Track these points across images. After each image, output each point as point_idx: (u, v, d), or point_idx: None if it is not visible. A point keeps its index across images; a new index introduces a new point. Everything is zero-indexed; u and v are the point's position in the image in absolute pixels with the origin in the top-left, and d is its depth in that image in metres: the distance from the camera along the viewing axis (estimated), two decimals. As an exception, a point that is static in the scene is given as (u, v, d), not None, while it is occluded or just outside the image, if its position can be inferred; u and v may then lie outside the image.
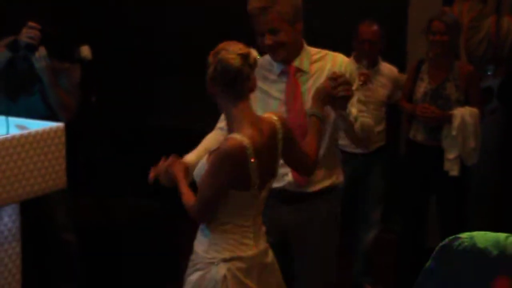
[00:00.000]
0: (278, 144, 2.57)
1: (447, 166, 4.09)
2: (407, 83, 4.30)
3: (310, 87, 2.87)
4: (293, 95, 2.88)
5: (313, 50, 2.96)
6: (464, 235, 1.47)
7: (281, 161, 2.70)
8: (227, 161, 2.43)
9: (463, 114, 4.05)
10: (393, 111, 4.58)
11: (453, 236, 1.49)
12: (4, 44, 3.62)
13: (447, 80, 4.13)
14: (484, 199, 4.81)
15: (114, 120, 5.60)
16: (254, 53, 2.51)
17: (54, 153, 3.18)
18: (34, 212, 3.52)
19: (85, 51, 3.71)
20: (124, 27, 5.72)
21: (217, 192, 2.48)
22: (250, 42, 3.47)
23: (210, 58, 2.50)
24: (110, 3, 5.76)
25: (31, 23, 3.56)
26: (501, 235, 1.44)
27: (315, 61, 2.92)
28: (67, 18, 5.01)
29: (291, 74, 2.90)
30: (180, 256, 4.61)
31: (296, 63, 2.90)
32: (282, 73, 2.92)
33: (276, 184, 2.80)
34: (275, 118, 2.57)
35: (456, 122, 4.03)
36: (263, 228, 2.67)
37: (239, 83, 2.46)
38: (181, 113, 5.71)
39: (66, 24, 4.52)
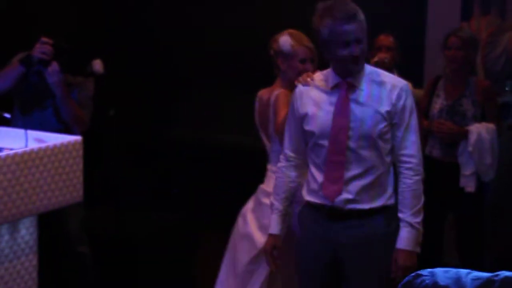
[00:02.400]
0: None
1: (463, 182, 4.08)
2: (424, 99, 4.30)
3: (360, 104, 2.86)
4: (341, 110, 2.86)
5: (374, 69, 2.97)
6: (426, 272, 1.45)
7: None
8: None
9: (480, 130, 4.04)
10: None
11: (415, 273, 1.46)
12: (18, 59, 3.69)
13: (463, 96, 4.12)
14: (501, 215, 4.78)
15: (133, 133, 5.64)
16: None
17: (72, 166, 3.22)
18: (48, 225, 3.56)
19: (97, 65, 3.76)
20: (144, 40, 5.77)
21: None
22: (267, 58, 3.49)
23: None
24: (129, 16, 5.82)
25: (44, 38, 3.63)
26: (463, 272, 1.41)
27: (371, 81, 2.90)
28: (83, 32, 5.07)
29: (343, 89, 2.88)
30: (196, 269, 4.64)
31: (354, 80, 2.88)
32: (336, 86, 2.90)
33: (317, 200, 2.89)
34: None
35: (472, 138, 4.02)
36: None
37: None
38: (201, 125, 5.74)
39: (80, 38, 4.57)
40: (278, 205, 3.06)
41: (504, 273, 1.39)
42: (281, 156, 3.09)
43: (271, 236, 3.06)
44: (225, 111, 5.59)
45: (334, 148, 2.85)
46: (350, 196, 2.86)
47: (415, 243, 2.93)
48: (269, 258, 3.07)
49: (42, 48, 3.62)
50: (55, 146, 3.16)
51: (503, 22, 4.80)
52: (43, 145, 3.12)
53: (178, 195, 5.36)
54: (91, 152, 3.49)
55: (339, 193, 2.86)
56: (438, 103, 4.17)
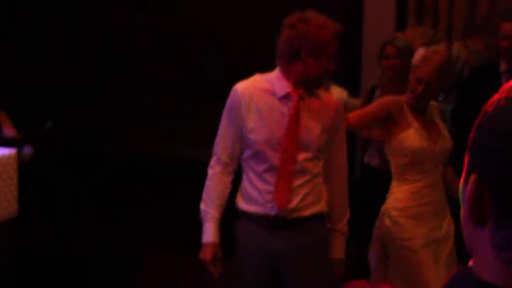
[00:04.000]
0: None
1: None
2: (361, 108, 4.35)
3: (311, 115, 2.92)
4: (293, 121, 2.88)
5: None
6: None
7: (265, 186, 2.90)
8: None
9: (417, 138, 4.10)
10: (347, 136, 4.62)
11: None
12: None
13: (400, 104, 4.18)
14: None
15: (72, 144, 5.54)
16: None
17: (6, 181, 3.14)
18: None
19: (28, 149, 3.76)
20: (85, 48, 5.69)
21: None
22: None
23: None
24: (72, 20, 5.72)
25: None
26: None
27: (315, 94, 2.95)
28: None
29: (295, 99, 2.89)
30: (137, 282, 4.58)
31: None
32: (286, 96, 2.90)
33: (259, 210, 2.89)
34: None
35: (409, 145, 4.08)
36: None
37: None
38: (142, 137, 5.68)
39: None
40: (214, 212, 2.99)
41: None
42: (214, 162, 3.03)
43: (209, 245, 2.99)
44: (164, 122, 5.55)
45: (285, 158, 2.86)
46: (295, 205, 2.90)
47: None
48: (211, 268, 3.03)
49: None
50: (-12, 161, 3.07)
51: (436, 33, 4.90)
52: (-25, 159, 3.04)
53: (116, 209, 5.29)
54: (28, 165, 3.41)
55: (289, 201, 2.88)
56: (375, 112, 4.22)
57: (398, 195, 3.28)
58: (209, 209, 3.00)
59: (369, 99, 4.30)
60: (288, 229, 2.92)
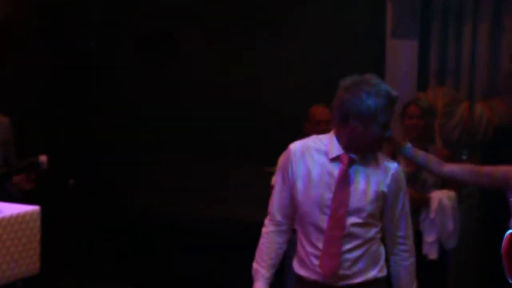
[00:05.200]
0: None
1: (425, 249, 4.07)
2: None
3: (361, 179, 2.81)
4: (342, 185, 2.79)
5: None
6: None
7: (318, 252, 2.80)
8: None
9: (441, 197, 4.06)
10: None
11: None
12: None
13: (423, 164, 4.16)
14: (464, 284, 4.78)
15: (93, 203, 5.55)
16: None
17: (29, 237, 3.13)
18: None
19: (43, 158, 3.79)
20: (106, 111, 5.75)
21: None
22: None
23: None
24: (91, 86, 5.80)
25: None
26: None
27: (368, 158, 2.85)
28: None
29: (345, 163, 2.80)
30: None
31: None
32: (337, 158, 2.82)
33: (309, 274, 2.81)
34: None
35: (434, 205, 4.04)
36: None
37: None
38: (163, 195, 5.67)
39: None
40: (264, 272, 2.91)
41: None
42: (267, 221, 2.97)
43: None
44: (188, 181, 5.56)
45: (334, 224, 2.78)
46: (344, 272, 2.80)
47: None
48: None
49: None
50: (11, 217, 3.07)
51: (458, 93, 4.91)
52: (-1, 215, 3.03)
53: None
54: (51, 222, 3.41)
55: (336, 268, 2.79)
56: (399, 171, 4.20)
57: None
58: (260, 268, 2.93)
59: (392, 159, 4.26)
60: None
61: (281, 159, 2.93)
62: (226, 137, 5.47)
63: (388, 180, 2.82)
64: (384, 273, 2.89)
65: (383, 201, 2.83)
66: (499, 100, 4.85)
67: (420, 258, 4.06)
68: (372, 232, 2.82)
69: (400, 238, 2.89)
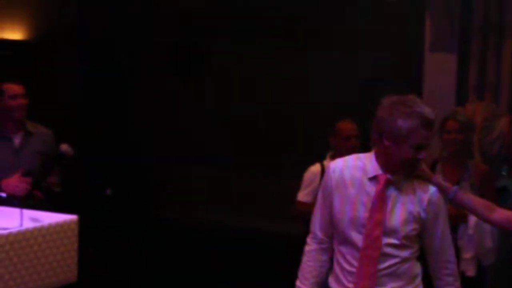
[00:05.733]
0: None
1: (463, 266, 4.02)
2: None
3: (397, 200, 2.81)
4: (378, 205, 2.79)
5: None
6: None
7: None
8: None
9: (479, 213, 4.00)
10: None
11: None
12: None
13: (462, 179, 4.11)
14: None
15: (130, 212, 5.59)
16: None
17: (67, 246, 3.16)
18: None
19: (64, 147, 3.81)
20: (140, 119, 5.81)
21: None
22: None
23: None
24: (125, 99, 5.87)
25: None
26: None
27: (405, 180, 2.84)
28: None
29: (382, 183, 2.80)
30: None
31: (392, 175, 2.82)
32: (374, 177, 2.83)
33: None
34: None
35: (472, 221, 3.98)
36: None
37: None
38: (196, 205, 5.70)
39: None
40: None
41: None
42: (310, 239, 2.98)
43: None
44: (221, 190, 5.58)
45: (369, 243, 2.78)
46: None
47: None
48: None
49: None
50: (50, 226, 3.11)
51: (497, 108, 4.85)
52: (38, 224, 3.07)
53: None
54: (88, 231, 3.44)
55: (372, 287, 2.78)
56: (437, 187, 4.16)
57: None
58: (303, 286, 2.95)
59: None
60: None
61: (324, 177, 2.94)
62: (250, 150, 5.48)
63: (424, 204, 2.82)
64: None
65: (420, 224, 2.82)
66: (539, 115, 4.78)
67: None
68: (407, 252, 2.82)
69: (443, 262, 2.87)
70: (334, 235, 2.89)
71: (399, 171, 2.80)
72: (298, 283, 2.96)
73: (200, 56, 5.83)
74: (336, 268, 2.89)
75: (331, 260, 2.96)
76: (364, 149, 3.01)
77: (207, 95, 5.77)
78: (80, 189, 4.24)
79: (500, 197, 4.38)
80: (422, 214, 2.81)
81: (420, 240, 2.86)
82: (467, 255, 4.01)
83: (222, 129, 5.69)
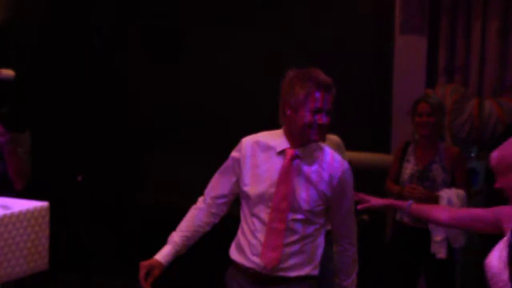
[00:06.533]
0: None
1: (434, 248, 4.06)
2: (394, 164, 4.31)
3: (304, 175, 2.87)
4: (285, 179, 2.86)
5: (322, 145, 2.98)
6: None
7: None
8: None
9: (450, 195, 4.04)
10: (381, 193, 4.57)
11: None
12: None
13: (433, 161, 4.15)
14: (472, 283, 4.76)
15: (102, 197, 5.52)
16: None
17: (38, 234, 3.10)
18: None
19: (6, 71, 3.77)
20: (113, 103, 5.72)
21: None
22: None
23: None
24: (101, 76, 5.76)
25: None
26: None
27: (320, 156, 2.90)
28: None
29: (289, 157, 2.87)
30: None
31: (301, 150, 2.88)
32: (281, 153, 2.89)
33: (246, 263, 2.87)
34: None
35: (442, 203, 4.02)
36: None
37: None
38: (170, 189, 5.65)
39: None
40: (177, 239, 3.00)
41: None
42: (200, 199, 3.07)
43: (153, 260, 2.96)
44: (192, 173, 5.53)
45: (275, 216, 2.85)
46: (279, 264, 2.86)
47: None
48: (142, 281, 2.94)
49: None
50: (20, 213, 3.04)
51: (467, 90, 4.88)
52: (8, 211, 3.01)
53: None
54: (60, 217, 3.39)
55: (275, 260, 2.86)
56: (409, 169, 4.19)
57: None
58: (175, 234, 3.02)
59: (402, 155, 4.25)
60: (270, 286, 2.89)
61: (234, 150, 3.00)
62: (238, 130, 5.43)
63: (334, 182, 2.87)
64: (316, 272, 2.96)
65: (326, 201, 2.88)
66: (508, 97, 4.82)
67: (429, 257, 4.07)
68: (311, 229, 2.89)
69: (345, 232, 2.98)
70: (242, 207, 2.96)
71: (299, 139, 2.86)
72: (173, 232, 3.03)
73: (177, 39, 5.75)
74: (241, 240, 2.95)
75: (208, 226, 3.04)
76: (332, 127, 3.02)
77: (187, 78, 5.68)
78: (51, 176, 4.17)
79: (470, 178, 4.43)
80: (329, 192, 2.87)
81: (325, 214, 2.94)
82: (438, 237, 4.05)
83: (197, 113, 5.61)
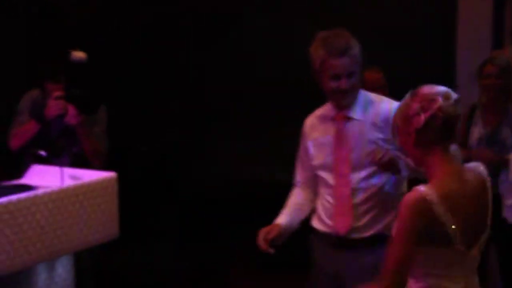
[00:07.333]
0: (487, 197, 2.39)
1: (505, 212, 3.97)
2: (461, 128, 4.21)
3: (358, 134, 2.88)
4: (340, 143, 2.90)
5: (368, 95, 2.97)
6: None
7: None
8: (409, 215, 2.17)
9: (520, 158, 3.94)
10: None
11: None
12: (33, 116, 3.76)
13: (502, 124, 4.04)
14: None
15: (164, 168, 5.59)
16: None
17: (107, 203, 3.17)
18: None
19: (78, 53, 3.72)
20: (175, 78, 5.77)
21: (407, 251, 2.18)
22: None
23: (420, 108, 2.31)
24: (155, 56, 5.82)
25: (56, 94, 3.68)
26: None
27: (368, 107, 2.91)
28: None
29: (339, 121, 2.91)
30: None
31: (349, 111, 2.90)
32: (332, 119, 2.94)
33: (323, 228, 2.92)
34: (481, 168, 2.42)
35: (512, 167, 3.93)
36: None
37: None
38: (237, 162, 5.68)
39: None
40: (283, 215, 3.02)
41: None
42: (295, 181, 3.13)
43: (273, 224, 2.97)
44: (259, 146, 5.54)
45: (339, 181, 2.89)
46: (355, 223, 2.88)
47: None
48: (260, 240, 2.89)
49: (56, 105, 3.66)
50: (90, 183, 3.11)
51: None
52: (78, 182, 3.08)
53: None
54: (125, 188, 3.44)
55: (350, 224, 2.88)
56: (476, 132, 4.10)
57: None
58: (282, 212, 3.05)
59: (469, 119, 4.15)
60: (349, 249, 2.91)
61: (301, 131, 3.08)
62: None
63: (384, 125, 2.81)
64: (389, 232, 2.83)
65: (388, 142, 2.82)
66: None
67: (500, 221, 3.98)
68: (378, 179, 2.86)
69: None
70: (318, 177, 3.00)
71: (336, 105, 2.88)
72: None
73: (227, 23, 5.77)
74: (319, 208, 3.00)
75: (311, 203, 3.07)
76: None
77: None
78: (115, 146, 4.23)
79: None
80: (386, 135, 2.80)
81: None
82: (509, 201, 3.96)
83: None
